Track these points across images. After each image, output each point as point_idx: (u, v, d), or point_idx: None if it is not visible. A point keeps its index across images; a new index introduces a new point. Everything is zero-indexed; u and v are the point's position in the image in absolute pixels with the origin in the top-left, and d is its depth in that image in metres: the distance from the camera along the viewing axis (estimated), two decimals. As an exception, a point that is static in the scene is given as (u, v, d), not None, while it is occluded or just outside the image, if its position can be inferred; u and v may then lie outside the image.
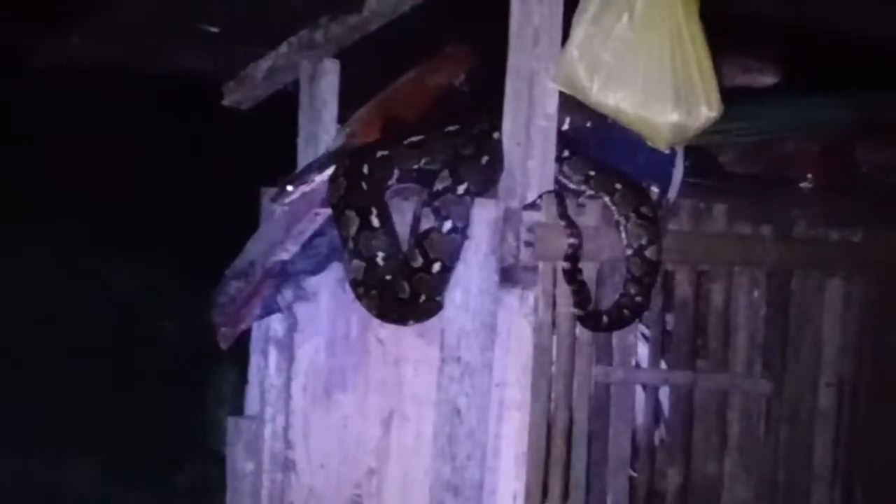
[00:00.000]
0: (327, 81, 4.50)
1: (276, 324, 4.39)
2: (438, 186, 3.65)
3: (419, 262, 3.64)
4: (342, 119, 4.48)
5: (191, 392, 7.25)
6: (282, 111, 4.62)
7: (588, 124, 3.92)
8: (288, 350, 4.38)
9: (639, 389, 3.94)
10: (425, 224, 3.63)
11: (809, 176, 4.50)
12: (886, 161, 4.67)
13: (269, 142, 4.76)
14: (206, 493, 6.54)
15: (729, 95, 3.86)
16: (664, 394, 3.99)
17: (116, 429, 7.13)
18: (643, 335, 3.95)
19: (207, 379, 7.22)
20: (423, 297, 3.67)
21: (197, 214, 6.74)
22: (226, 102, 4.82)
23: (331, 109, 4.51)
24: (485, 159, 3.70)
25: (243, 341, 4.49)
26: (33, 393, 6.97)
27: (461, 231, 3.63)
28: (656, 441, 3.99)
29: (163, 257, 7.01)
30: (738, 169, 4.51)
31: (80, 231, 6.92)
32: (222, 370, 7.03)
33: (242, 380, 4.71)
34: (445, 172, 3.67)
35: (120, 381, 7.08)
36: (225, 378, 7.04)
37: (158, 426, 7.12)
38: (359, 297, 3.83)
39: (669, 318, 3.98)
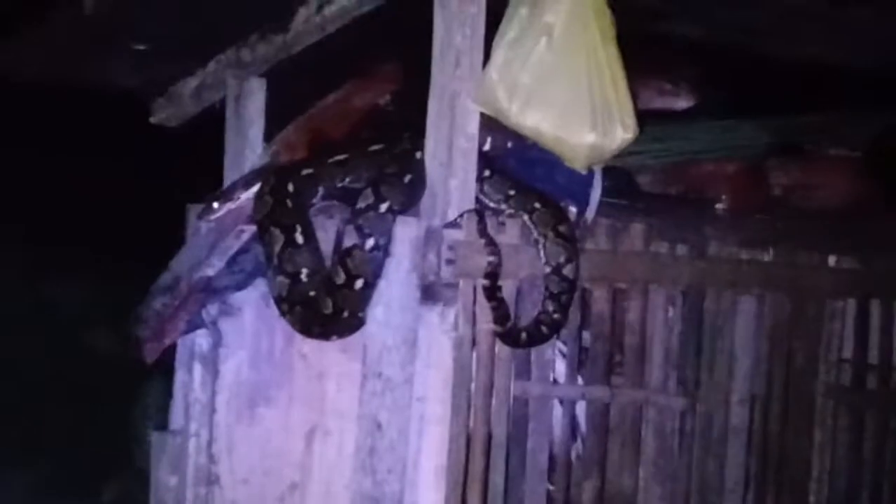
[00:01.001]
0: (254, 100, 4.56)
1: (201, 339, 4.40)
2: (361, 204, 3.71)
3: (342, 278, 3.69)
4: (268, 137, 4.54)
5: (119, 407, 7.22)
6: (209, 129, 4.66)
7: (508, 144, 4.00)
8: (212, 365, 4.38)
9: (556, 404, 4.01)
10: (348, 241, 3.69)
11: (724, 197, 4.60)
12: (797, 183, 4.79)
13: (196, 159, 4.80)
14: (131, 509, 6.52)
15: (646, 118, 3.97)
16: (581, 408, 4.07)
17: (44, 444, 7.09)
18: (560, 351, 4.03)
19: (135, 395, 7.19)
20: (345, 313, 3.73)
21: (125, 230, 6.74)
22: (154, 120, 4.86)
23: (257, 127, 4.56)
24: (407, 178, 3.77)
25: (171, 356, 4.52)
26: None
27: (383, 248, 3.70)
28: (573, 455, 4.07)
29: (91, 273, 7.00)
30: (654, 189, 4.61)
31: (8, 246, 6.89)
32: (151, 386, 7.01)
33: (169, 395, 4.72)
34: (368, 191, 3.73)
35: (48, 397, 7.05)
36: (151, 393, 7.03)
37: (86, 442, 7.09)
38: (283, 313, 3.87)
39: (586, 334, 4.06)
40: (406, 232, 3.71)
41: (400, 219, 3.71)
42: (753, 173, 4.70)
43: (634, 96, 3.90)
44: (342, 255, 3.70)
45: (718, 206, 4.61)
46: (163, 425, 4.71)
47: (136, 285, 4.38)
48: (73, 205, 6.90)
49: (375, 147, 4.02)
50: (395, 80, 4.67)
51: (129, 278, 4.54)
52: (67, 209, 6.88)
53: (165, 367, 4.54)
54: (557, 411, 4.02)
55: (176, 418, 4.59)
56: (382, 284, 3.72)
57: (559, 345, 4.01)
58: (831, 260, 4.40)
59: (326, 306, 3.73)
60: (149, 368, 4.42)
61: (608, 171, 4.12)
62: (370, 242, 3.68)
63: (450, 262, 3.70)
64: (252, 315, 4.27)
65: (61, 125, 6.49)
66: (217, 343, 4.34)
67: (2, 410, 6.99)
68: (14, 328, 7.10)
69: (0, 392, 7.03)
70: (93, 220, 6.92)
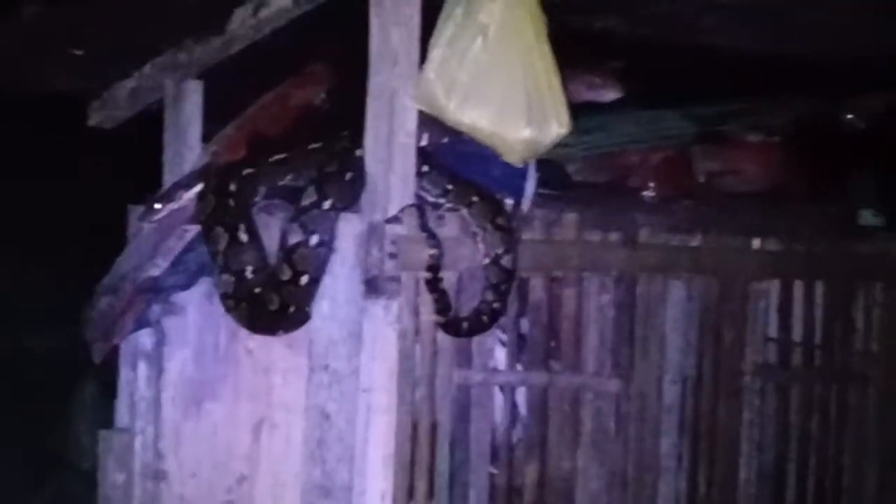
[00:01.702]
0: (191, 101, 4.60)
1: (145, 337, 4.44)
2: (305, 202, 3.78)
3: (288, 274, 3.77)
4: (207, 138, 4.59)
5: (53, 408, 7.22)
6: (147, 131, 4.71)
7: (445, 140, 4.09)
8: (157, 362, 4.42)
9: (497, 391, 4.14)
10: (293, 238, 3.76)
11: (651, 185, 4.73)
12: (721, 169, 4.94)
13: (135, 161, 4.84)
14: (70, 507, 6.54)
15: (576, 111, 4.09)
16: (521, 394, 4.20)
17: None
18: (500, 340, 4.15)
19: (69, 395, 7.20)
20: (292, 308, 3.81)
21: (65, 233, 6.75)
22: (91, 122, 4.89)
23: (195, 128, 4.61)
24: (348, 175, 3.85)
25: (110, 355, 4.56)
26: None
27: (327, 244, 3.78)
28: (514, 439, 4.19)
29: (30, 274, 6.99)
30: (584, 178, 4.73)
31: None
32: (84, 385, 7.03)
33: (105, 394, 4.76)
34: (311, 189, 3.80)
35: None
36: (87, 393, 7.04)
37: (22, 442, 7.07)
38: (229, 310, 3.93)
39: (525, 322, 4.18)
40: (349, 228, 3.80)
41: (343, 215, 3.80)
42: (679, 161, 4.84)
43: (566, 90, 4.01)
44: (287, 251, 3.77)
45: (646, 193, 4.74)
46: (107, 423, 4.76)
47: (78, 287, 4.42)
48: (14, 209, 6.89)
49: (314, 145, 4.08)
50: (329, 78, 4.74)
51: (69, 280, 4.56)
52: (8, 213, 6.87)
53: (101, 366, 4.58)
54: (499, 398, 4.14)
55: (121, 416, 4.64)
56: (327, 279, 3.81)
57: (499, 333, 4.13)
58: (755, 243, 4.55)
59: (273, 302, 3.80)
60: (81, 368, 4.46)
61: (541, 163, 4.21)
62: (314, 239, 3.76)
63: (392, 255, 3.79)
64: (196, 313, 4.32)
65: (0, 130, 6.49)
66: (161, 341, 4.39)
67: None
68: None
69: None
70: (34, 225, 6.91)
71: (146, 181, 4.60)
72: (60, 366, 5.28)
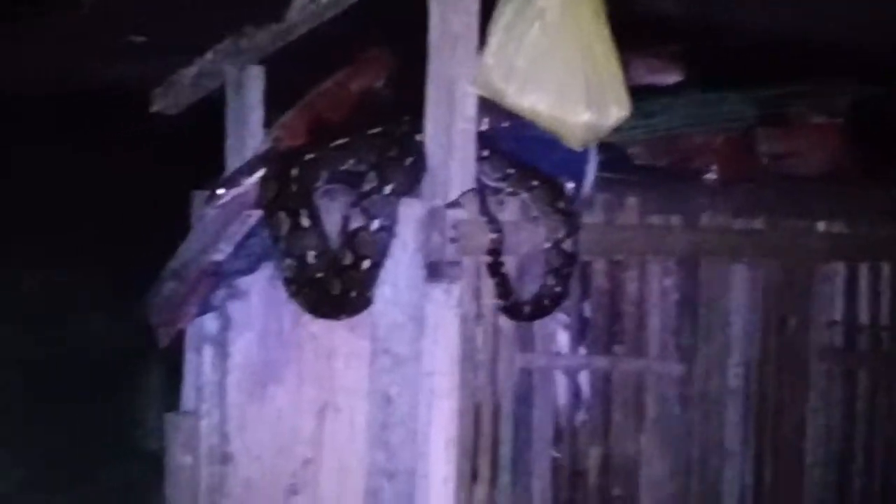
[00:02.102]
0: (253, 87, 4.63)
1: (210, 322, 4.51)
2: (366, 187, 3.80)
3: (349, 259, 3.79)
4: (269, 123, 4.61)
5: (120, 392, 7.29)
6: (211, 116, 4.74)
7: (506, 124, 4.08)
8: (222, 347, 4.49)
9: (560, 374, 4.14)
10: (354, 223, 3.78)
11: (713, 168, 4.69)
12: (784, 151, 4.89)
13: (199, 146, 4.88)
14: (136, 492, 6.60)
15: (636, 94, 4.06)
16: (584, 378, 4.19)
17: (45, 431, 7.15)
18: (563, 323, 4.15)
19: (137, 378, 7.27)
20: (353, 293, 3.83)
21: (132, 218, 6.81)
22: (154, 108, 4.94)
23: (257, 114, 4.64)
24: (409, 161, 3.86)
25: (175, 339, 4.61)
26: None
27: (388, 229, 3.79)
28: (577, 423, 4.19)
29: (98, 260, 7.06)
30: (647, 162, 4.71)
31: (18, 239, 6.96)
32: (151, 369, 7.10)
33: (172, 378, 4.82)
34: (372, 174, 3.82)
35: (50, 383, 7.11)
36: (154, 377, 7.11)
37: (87, 426, 7.15)
38: (292, 295, 3.96)
39: (587, 306, 4.18)
40: (410, 213, 3.80)
41: (403, 200, 3.81)
42: (741, 143, 4.79)
43: (626, 73, 3.99)
44: (349, 236, 3.80)
45: (708, 176, 4.70)
46: (169, 407, 4.82)
47: (143, 273, 4.47)
48: (80, 197, 6.97)
49: (375, 131, 4.10)
50: (389, 63, 4.74)
51: (136, 266, 4.61)
52: (75, 201, 6.95)
53: (168, 350, 4.63)
54: (561, 381, 4.14)
55: (187, 400, 4.70)
56: (389, 264, 3.82)
57: (561, 317, 4.13)
58: (820, 226, 4.52)
59: (334, 287, 3.83)
60: (147, 353, 4.50)
61: (602, 146, 4.20)
62: (375, 224, 3.77)
63: (453, 240, 3.79)
64: (260, 297, 4.38)
65: (65, 120, 6.55)
66: (226, 325, 4.46)
67: (4, 397, 7.04)
68: (20, 317, 7.17)
69: (3, 380, 7.09)
70: (100, 211, 6.98)
71: (209, 167, 4.63)
72: (127, 350, 5.32)
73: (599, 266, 4.16)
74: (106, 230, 7.00)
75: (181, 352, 4.68)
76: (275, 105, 4.63)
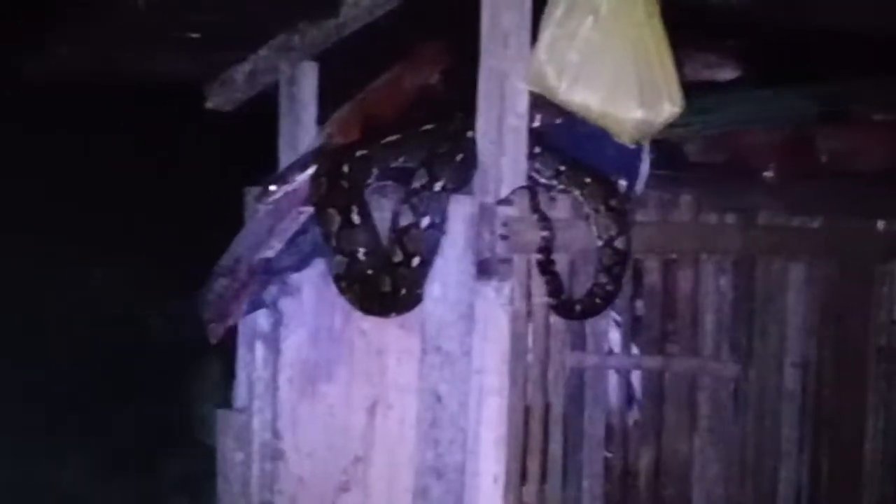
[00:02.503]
0: (306, 83, 4.63)
1: (262, 319, 4.52)
2: (416, 184, 3.78)
3: (399, 256, 3.77)
4: (321, 119, 4.61)
5: (177, 386, 7.35)
6: (263, 112, 4.75)
7: (558, 121, 4.05)
8: (274, 344, 4.51)
9: (612, 373, 4.09)
10: (404, 220, 3.76)
11: (771, 165, 4.63)
12: (843, 149, 4.82)
13: (252, 143, 4.89)
14: (194, 484, 6.64)
15: (692, 90, 4.02)
16: (636, 377, 4.15)
17: (106, 424, 7.22)
18: (615, 321, 4.10)
19: (193, 373, 7.32)
20: (403, 291, 3.81)
21: (184, 215, 6.86)
22: (208, 105, 4.96)
23: (310, 111, 4.64)
24: (459, 157, 3.83)
25: (230, 336, 4.63)
26: (22, 389, 7.06)
27: (438, 226, 3.76)
28: (629, 423, 4.15)
29: (151, 257, 7.12)
30: (702, 159, 4.66)
31: (73, 233, 7.03)
32: (208, 364, 7.14)
33: (227, 373, 4.83)
34: (422, 170, 3.80)
35: (109, 377, 7.18)
36: (210, 372, 7.15)
37: (147, 420, 7.22)
38: (342, 292, 3.96)
39: (640, 304, 4.13)
40: (460, 210, 3.77)
41: (454, 197, 3.78)
42: (800, 140, 4.72)
43: (680, 69, 3.94)
44: (399, 233, 3.78)
45: (766, 174, 4.64)
46: (226, 403, 4.84)
47: (197, 268, 4.49)
48: (135, 193, 7.03)
49: (427, 127, 4.08)
50: (444, 59, 4.71)
51: (189, 262, 4.63)
52: (129, 197, 7.01)
53: (223, 345, 4.65)
54: (613, 380, 4.09)
55: (240, 396, 4.72)
56: (439, 261, 3.79)
57: (613, 315, 4.08)
58: (879, 224, 4.43)
59: (385, 284, 3.81)
60: (207, 349, 4.52)
61: (656, 143, 4.16)
62: (426, 221, 3.75)
63: (504, 237, 3.76)
64: (311, 294, 4.39)
65: (120, 116, 6.61)
66: (278, 322, 4.48)
67: (64, 391, 7.12)
68: (78, 312, 7.24)
69: (63, 373, 7.16)
70: (154, 207, 7.04)
71: (263, 163, 4.63)
72: (185, 345, 5.34)
73: (653, 264, 4.10)
74: (165, 226, 7.05)
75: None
76: (328, 101, 4.62)
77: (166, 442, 7.37)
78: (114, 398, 7.19)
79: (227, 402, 4.83)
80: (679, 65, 3.94)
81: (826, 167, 4.74)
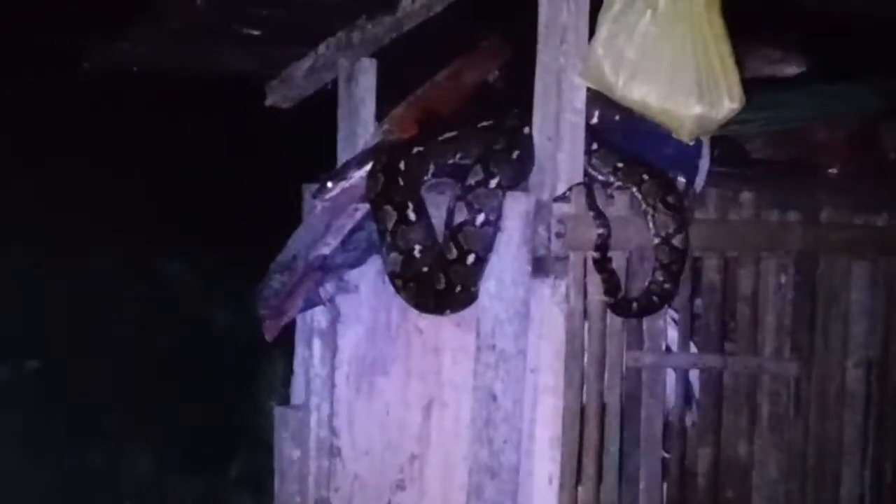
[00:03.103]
0: (365, 80, 4.62)
1: (320, 315, 4.53)
2: (471, 181, 3.76)
3: (454, 253, 3.75)
4: (380, 116, 4.60)
5: (241, 383, 7.38)
6: (322, 109, 4.75)
7: (616, 117, 4.02)
8: (331, 340, 4.52)
9: (670, 372, 4.03)
10: (459, 217, 3.75)
11: (836, 162, 4.56)
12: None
13: (311, 139, 4.89)
14: (257, 482, 6.66)
15: (754, 86, 3.96)
16: (694, 376, 4.09)
17: (170, 423, 7.27)
18: (673, 320, 4.05)
19: (257, 370, 7.34)
20: (458, 288, 3.79)
21: (243, 211, 6.89)
22: (268, 102, 4.97)
23: (369, 107, 4.63)
24: (515, 154, 3.81)
25: (291, 332, 4.64)
26: (90, 385, 7.13)
27: (494, 223, 3.74)
28: (688, 423, 4.09)
29: (212, 253, 7.15)
30: (764, 156, 4.59)
31: (133, 229, 7.09)
32: (272, 361, 7.16)
33: (290, 370, 4.84)
34: (478, 167, 3.78)
35: (173, 374, 7.22)
36: (274, 369, 7.17)
37: (211, 417, 7.25)
38: (397, 289, 3.95)
39: (698, 303, 4.08)
40: (516, 207, 3.75)
41: (509, 194, 3.75)
42: (865, 137, 4.65)
43: (741, 65, 3.89)
44: (453, 230, 3.76)
45: (830, 171, 4.57)
46: (285, 400, 4.84)
47: (257, 265, 4.49)
48: (194, 189, 7.07)
49: (485, 123, 4.05)
50: (503, 55, 4.70)
51: (249, 258, 4.64)
52: (189, 193, 7.06)
53: (286, 342, 4.65)
54: (671, 379, 4.03)
55: (297, 393, 4.73)
56: (494, 259, 3.77)
57: (671, 313, 4.03)
58: (945, 222, 4.35)
59: (439, 281, 3.80)
60: (269, 345, 4.53)
61: (717, 140, 4.12)
62: (481, 218, 3.73)
63: (560, 235, 3.74)
64: (369, 291, 4.39)
65: (180, 112, 6.65)
66: (335, 319, 4.48)
67: (126, 390, 7.17)
68: (136, 309, 7.29)
69: (124, 372, 7.21)
70: (214, 204, 7.08)
71: (321, 160, 4.63)
72: (247, 343, 5.36)
73: (711, 262, 4.04)
74: (224, 222, 7.09)
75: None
76: (386, 98, 4.61)
77: (230, 438, 7.40)
78: (177, 393, 7.22)
79: (285, 400, 4.83)
80: (740, 60, 3.88)
81: (892, 164, 4.65)
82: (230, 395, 7.33)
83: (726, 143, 4.26)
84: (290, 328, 4.59)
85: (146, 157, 6.99)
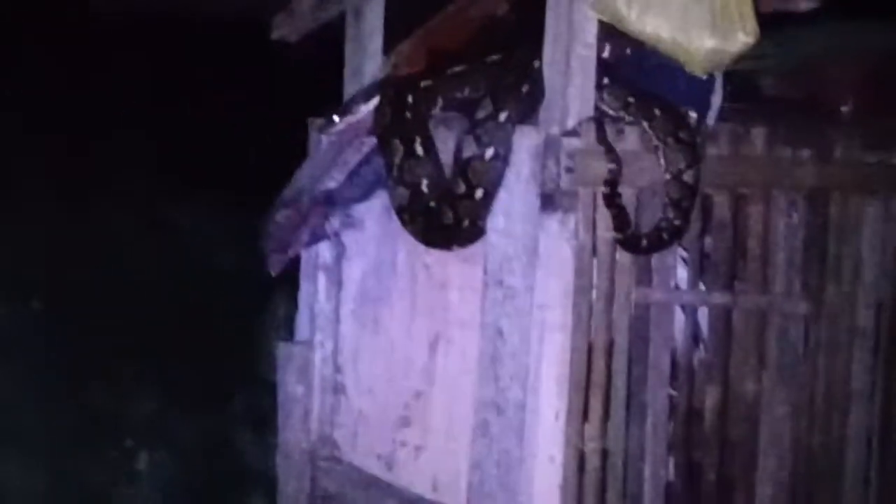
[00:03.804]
0: (373, 14, 4.55)
1: (325, 251, 4.49)
2: (480, 114, 3.72)
3: (462, 188, 3.72)
4: (387, 50, 4.55)
5: (245, 321, 7.35)
6: (328, 44, 4.69)
7: (627, 51, 3.95)
8: (336, 276, 4.49)
9: (678, 311, 4.00)
10: (467, 151, 3.71)
11: (849, 100, 4.50)
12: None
13: (317, 73, 4.84)
14: (260, 419, 6.65)
15: (768, 21, 3.90)
16: (703, 315, 4.05)
17: (172, 361, 7.25)
18: (682, 258, 4.01)
19: (261, 308, 7.32)
20: (466, 223, 3.76)
21: (248, 148, 6.84)
22: (274, 36, 4.90)
23: (376, 41, 4.56)
24: (525, 87, 3.76)
25: (296, 269, 4.60)
26: (92, 326, 7.11)
27: (503, 158, 3.70)
28: (695, 361, 4.05)
29: (215, 190, 7.11)
30: (777, 93, 4.53)
31: (137, 171, 7.07)
32: (276, 300, 7.13)
33: (294, 308, 4.81)
34: (487, 100, 3.73)
35: (174, 314, 7.19)
36: (277, 307, 7.14)
37: (214, 355, 7.23)
38: (404, 224, 3.92)
39: (708, 240, 4.03)
40: (525, 141, 3.70)
41: (519, 128, 3.71)
42: (879, 76, 4.59)
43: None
44: (462, 165, 3.72)
45: (843, 108, 4.51)
46: (289, 336, 4.82)
47: (261, 201, 4.45)
48: (198, 125, 7.03)
49: (493, 58, 4.00)
50: (512, -12, 4.64)
51: (254, 194, 4.60)
52: (193, 130, 7.01)
53: (291, 278, 4.62)
54: (679, 317, 3.99)
55: (301, 329, 4.70)
56: (502, 194, 3.73)
57: (681, 251, 3.99)
58: (961, 161, 4.29)
59: (447, 216, 3.76)
60: (273, 281, 4.51)
61: (729, 75, 4.05)
62: (489, 152, 3.69)
63: (569, 170, 3.68)
64: (374, 226, 4.35)
65: (185, 49, 6.60)
66: (340, 254, 4.45)
67: (130, 329, 7.15)
68: (140, 250, 7.26)
69: (128, 312, 7.19)
70: (218, 141, 7.03)
71: (327, 94, 4.58)
72: (252, 281, 5.32)
73: (722, 199, 3.98)
74: (229, 159, 7.04)
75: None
76: (394, 32, 4.55)
77: (232, 378, 7.38)
78: (177, 334, 7.20)
79: (290, 336, 4.80)
80: (754, -6, 3.82)
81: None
82: (235, 333, 7.29)
83: (738, 78, 4.18)
84: (295, 265, 4.55)
85: (151, 98, 6.94)
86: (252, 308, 7.35)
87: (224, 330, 7.32)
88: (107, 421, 7.18)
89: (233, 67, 6.65)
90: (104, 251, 7.22)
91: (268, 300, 7.12)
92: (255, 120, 6.78)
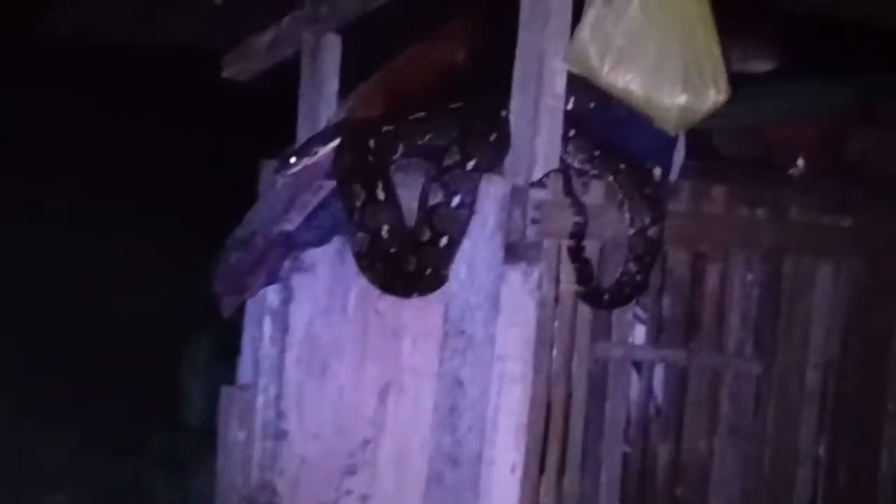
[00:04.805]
0: (329, 55, 4.51)
1: (272, 294, 4.41)
2: (448, 161, 3.69)
3: (427, 235, 3.68)
4: (343, 93, 4.51)
5: (164, 363, 7.25)
6: (281, 85, 4.64)
7: (591, 105, 3.95)
8: (283, 320, 4.40)
9: (633, 367, 3.99)
10: (434, 198, 3.67)
11: (800, 161, 4.55)
12: (875, 147, 4.73)
13: (267, 115, 4.79)
14: (178, 464, 6.55)
15: (729, 79, 3.92)
16: (659, 371, 4.04)
17: (89, 401, 7.12)
18: (637, 316, 4.00)
19: (181, 352, 7.22)
20: (429, 270, 3.72)
21: (196, 186, 6.77)
22: (225, 74, 4.84)
23: (332, 83, 4.52)
24: (493, 136, 3.74)
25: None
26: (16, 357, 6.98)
27: (469, 206, 3.67)
28: (650, 417, 4.04)
29: (160, 226, 7.02)
30: (731, 152, 4.57)
31: (82, 205, 6.95)
32: (197, 342, 7.03)
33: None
34: (455, 148, 3.71)
35: (94, 354, 7.08)
36: (199, 350, 7.04)
37: (132, 398, 7.11)
38: (363, 270, 3.86)
39: (666, 297, 4.02)
40: (492, 190, 3.68)
41: (486, 177, 3.69)
42: (831, 137, 4.65)
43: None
44: (428, 211, 3.68)
45: (794, 170, 4.56)
46: (228, 380, 4.72)
47: (207, 239, 4.38)
48: (145, 160, 6.94)
49: (455, 105, 3.98)
50: (469, 37, 4.64)
51: (198, 232, 4.53)
52: (140, 165, 6.92)
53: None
54: (635, 374, 3.99)
55: (244, 373, 4.61)
56: (466, 243, 3.70)
57: (637, 309, 3.98)
58: (909, 225, 4.35)
59: (410, 263, 3.72)
60: (192, 322, 4.45)
61: (687, 133, 4.07)
62: (456, 200, 3.66)
63: (535, 221, 3.66)
64: (325, 271, 4.29)
65: (136, 82, 6.52)
66: (288, 298, 4.36)
67: (47, 367, 7.02)
68: (75, 284, 7.14)
69: (46, 348, 7.06)
70: (162, 177, 6.95)
71: (278, 136, 4.53)
72: (174, 324, 5.24)
73: (680, 256, 3.99)
74: (174, 196, 6.96)
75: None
76: (351, 75, 4.52)
77: (149, 423, 7.25)
78: (96, 375, 7.07)
79: (228, 380, 4.71)
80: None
81: (857, 165, 4.65)
82: (154, 377, 7.17)
83: (694, 136, 4.20)
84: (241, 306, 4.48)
85: (98, 130, 6.84)
86: (171, 350, 7.24)
87: (143, 371, 7.20)
88: (21, 463, 7.03)
89: (182, 104, 6.57)
90: (41, 285, 7.10)
91: (190, 343, 7.03)
92: (204, 158, 6.72)
